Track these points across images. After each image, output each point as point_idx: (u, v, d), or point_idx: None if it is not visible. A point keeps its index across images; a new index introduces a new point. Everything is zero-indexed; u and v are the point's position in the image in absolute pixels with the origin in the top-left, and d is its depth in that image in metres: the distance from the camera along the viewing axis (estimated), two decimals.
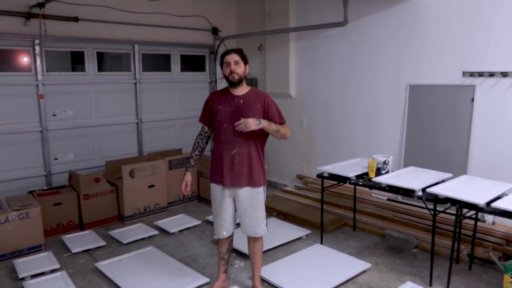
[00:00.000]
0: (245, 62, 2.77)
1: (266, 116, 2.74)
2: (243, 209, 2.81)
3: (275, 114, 2.77)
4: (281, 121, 2.79)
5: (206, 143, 2.96)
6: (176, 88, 5.65)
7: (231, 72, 2.70)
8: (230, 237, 2.99)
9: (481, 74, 3.67)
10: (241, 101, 2.74)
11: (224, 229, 2.89)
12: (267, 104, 2.75)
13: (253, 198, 2.79)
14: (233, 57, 2.72)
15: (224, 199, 2.83)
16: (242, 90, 2.77)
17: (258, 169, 2.77)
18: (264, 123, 2.66)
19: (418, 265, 3.42)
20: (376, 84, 4.51)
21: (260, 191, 2.81)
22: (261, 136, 2.78)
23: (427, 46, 4.03)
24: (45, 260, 3.51)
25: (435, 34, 3.95)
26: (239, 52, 2.77)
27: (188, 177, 2.93)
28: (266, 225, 2.90)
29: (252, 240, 2.92)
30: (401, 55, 4.25)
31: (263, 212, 2.85)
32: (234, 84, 2.73)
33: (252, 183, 2.77)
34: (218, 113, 2.78)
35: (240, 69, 2.71)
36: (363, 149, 4.64)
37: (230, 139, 2.74)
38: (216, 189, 2.86)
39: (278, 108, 2.81)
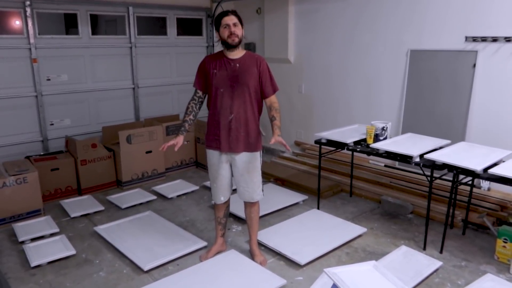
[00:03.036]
0: (243, 25, 2.70)
1: (259, 80, 2.70)
2: (240, 174, 2.81)
3: (267, 81, 2.72)
4: (274, 89, 2.75)
5: (199, 108, 2.92)
6: (172, 53, 5.54)
7: (231, 34, 2.62)
8: (227, 202, 3.01)
9: (484, 39, 3.59)
10: (237, 65, 2.68)
11: (222, 195, 2.90)
12: (262, 69, 2.70)
13: (250, 163, 2.78)
14: (232, 19, 2.64)
15: (221, 164, 2.82)
16: (238, 53, 2.71)
17: (254, 134, 2.75)
18: (279, 132, 2.63)
19: (413, 230, 3.48)
20: (377, 49, 4.42)
21: (256, 156, 2.80)
22: (258, 100, 2.75)
23: (430, 10, 3.91)
24: (44, 224, 3.55)
25: None
26: (236, 13, 2.68)
27: (181, 140, 2.79)
28: (262, 190, 2.91)
29: (249, 205, 2.94)
30: (404, 20, 4.13)
31: (259, 177, 2.86)
32: (232, 46, 2.66)
33: (249, 148, 2.75)
34: (214, 77, 2.71)
35: (239, 31, 2.65)
36: (361, 115, 4.61)
37: (227, 104, 2.70)
38: (212, 155, 2.85)
39: (271, 75, 2.76)
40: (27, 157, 4.23)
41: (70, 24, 4.85)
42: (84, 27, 4.70)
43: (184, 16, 5.60)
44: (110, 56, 4.98)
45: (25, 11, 4.25)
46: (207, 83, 2.77)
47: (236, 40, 2.64)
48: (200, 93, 2.86)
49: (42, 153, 4.52)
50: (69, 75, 4.69)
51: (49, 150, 4.63)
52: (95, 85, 4.91)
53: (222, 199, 2.92)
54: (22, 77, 4.37)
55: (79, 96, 4.81)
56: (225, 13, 2.66)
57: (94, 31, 4.84)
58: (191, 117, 2.87)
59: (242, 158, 2.77)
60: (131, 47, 5.10)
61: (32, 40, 4.32)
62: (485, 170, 2.78)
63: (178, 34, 5.54)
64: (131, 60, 5.14)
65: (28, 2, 4.22)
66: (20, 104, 4.40)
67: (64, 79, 4.67)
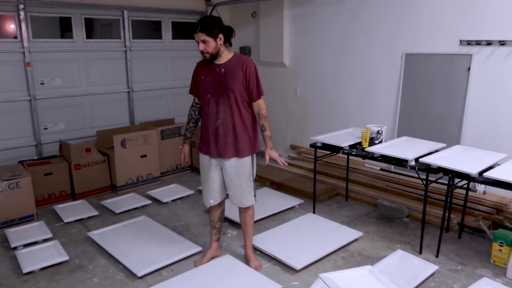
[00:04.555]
0: (216, 34, 2.57)
1: (246, 84, 2.65)
2: (229, 179, 2.79)
3: (253, 85, 2.66)
4: (259, 93, 2.68)
5: (199, 114, 2.91)
6: (167, 56, 5.52)
7: (202, 52, 2.61)
8: (221, 206, 3.00)
9: (478, 43, 3.60)
10: (223, 69, 2.65)
11: (211, 198, 2.89)
12: (248, 72, 2.63)
13: (239, 168, 2.76)
14: (199, 36, 2.56)
15: (211, 167, 2.81)
16: (224, 58, 2.67)
17: (244, 139, 2.72)
18: (271, 144, 2.73)
19: (408, 234, 3.46)
20: (372, 53, 4.42)
21: (246, 161, 2.76)
22: (246, 104, 2.69)
23: (424, 14, 3.92)
24: (37, 229, 3.51)
25: (433, 2, 3.84)
26: (206, 27, 2.54)
27: (186, 149, 2.98)
28: (255, 196, 2.88)
29: (243, 210, 2.92)
30: (398, 23, 4.14)
31: (249, 183, 2.82)
32: (209, 61, 2.66)
33: (238, 153, 2.73)
34: (202, 84, 2.72)
35: (210, 47, 2.58)
36: (357, 119, 4.60)
37: (214, 110, 2.70)
38: (203, 158, 2.86)
39: (258, 78, 2.68)
40: (21, 162, 4.19)
41: (64, 28, 4.84)
42: (79, 30, 4.68)
43: (179, 20, 5.59)
44: (105, 60, 4.96)
45: (18, 15, 4.22)
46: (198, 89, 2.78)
47: (207, 56, 2.62)
48: (196, 99, 2.87)
49: (35, 158, 4.48)
50: (63, 79, 4.66)
51: (43, 154, 4.59)
52: (90, 89, 4.88)
53: (211, 202, 2.90)
54: (15, 81, 4.33)
55: (73, 100, 4.78)
56: (195, 30, 2.58)
57: (89, 35, 4.82)
58: (191, 124, 2.93)
59: (231, 163, 2.75)
60: (126, 51, 5.08)
61: (26, 44, 4.30)
62: (481, 173, 2.78)
63: (173, 37, 5.54)
64: (126, 64, 5.12)
65: (22, 6, 4.19)
66: (14, 108, 4.37)
67: (58, 83, 4.63)
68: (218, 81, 2.65)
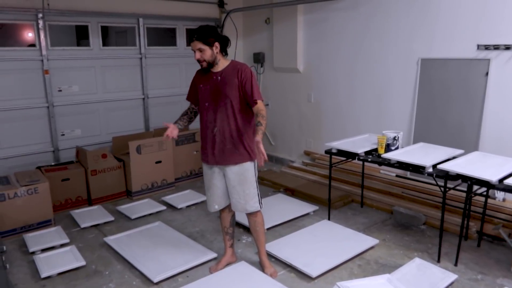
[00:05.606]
0: (212, 43, 2.57)
1: (242, 90, 2.62)
2: (231, 186, 2.78)
3: (248, 89, 2.61)
4: (254, 98, 2.61)
5: (195, 115, 2.96)
6: (181, 63, 5.57)
7: (199, 61, 2.63)
8: (231, 211, 2.98)
9: (496, 47, 3.54)
10: (219, 77, 2.66)
11: (216, 203, 2.90)
12: (243, 78, 2.61)
13: (241, 175, 2.74)
14: (195, 45, 2.58)
15: (213, 175, 2.83)
16: (221, 66, 2.68)
17: (241, 146, 2.70)
18: (259, 137, 2.43)
19: (426, 242, 3.41)
20: (387, 58, 4.39)
21: (247, 167, 2.74)
22: (243, 111, 2.67)
23: (440, 18, 3.88)
24: (54, 234, 3.55)
25: (450, 6, 3.80)
26: (201, 35, 2.57)
27: (171, 124, 2.83)
28: (260, 202, 2.84)
29: (251, 218, 2.90)
30: (414, 28, 4.11)
31: (252, 189, 2.79)
32: (207, 69, 2.67)
33: (237, 160, 2.72)
34: (200, 92, 2.74)
35: (206, 55, 2.60)
36: (372, 125, 4.57)
37: (211, 118, 2.71)
38: (205, 166, 2.88)
39: (254, 84, 2.63)
40: (38, 168, 4.26)
41: (81, 36, 4.92)
42: (95, 38, 4.75)
43: (193, 27, 5.58)
44: (121, 67, 5.02)
45: (37, 24, 4.31)
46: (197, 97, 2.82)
47: (205, 64, 2.64)
48: (192, 105, 2.92)
49: (53, 164, 4.55)
50: (80, 86, 4.74)
51: (60, 160, 4.66)
52: (106, 95, 4.95)
53: (216, 207, 2.91)
54: (34, 88, 4.42)
55: (90, 107, 4.85)
56: (191, 39, 2.61)
57: (105, 43, 4.89)
58: (184, 116, 2.95)
59: (232, 170, 2.74)
60: (141, 58, 5.15)
61: (44, 52, 4.38)
62: (501, 180, 2.72)
63: (188, 44, 5.58)
64: (141, 71, 5.18)
65: (40, 15, 4.28)
66: (32, 115, 4.45)
67: (75, 90, 4.71)
68: (215, 89, 2.66)
